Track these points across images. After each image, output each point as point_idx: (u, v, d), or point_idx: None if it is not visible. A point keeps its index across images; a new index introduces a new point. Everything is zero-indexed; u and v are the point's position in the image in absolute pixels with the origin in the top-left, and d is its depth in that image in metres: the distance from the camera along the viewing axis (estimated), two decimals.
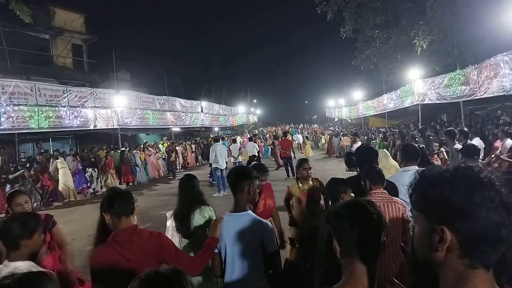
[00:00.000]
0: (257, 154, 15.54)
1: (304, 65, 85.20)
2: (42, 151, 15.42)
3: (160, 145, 20.66)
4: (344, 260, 1.36)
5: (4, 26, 16.26)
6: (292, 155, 14.33)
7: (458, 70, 12.84)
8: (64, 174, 12.79)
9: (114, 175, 14.77)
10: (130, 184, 15.57)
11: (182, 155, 20.65)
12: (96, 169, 14.56)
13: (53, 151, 15.71)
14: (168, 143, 21.00)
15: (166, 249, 2.24)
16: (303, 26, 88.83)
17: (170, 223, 3.28)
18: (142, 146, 18.33)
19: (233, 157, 14.51)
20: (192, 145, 22.97)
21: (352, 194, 3.07)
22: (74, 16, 23.59)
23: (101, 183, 14.54)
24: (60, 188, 12.71)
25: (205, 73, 40.30)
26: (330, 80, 51.96)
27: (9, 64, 15.59)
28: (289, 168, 14.00)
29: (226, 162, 13.07)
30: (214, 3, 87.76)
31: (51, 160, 13.14)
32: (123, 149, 16.22)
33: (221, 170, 12.12)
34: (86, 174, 14.21)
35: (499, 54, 10.40)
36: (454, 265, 0.92)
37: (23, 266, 2.05)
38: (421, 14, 13.61)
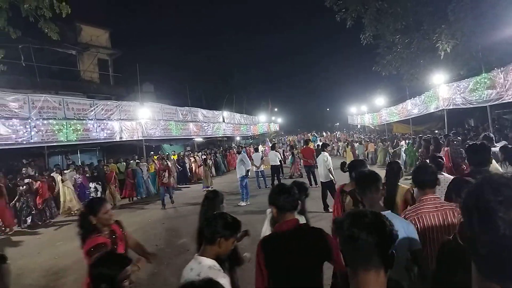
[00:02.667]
0: (279, 163, 15.45)
1: (325, 72, 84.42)
2: (70, 163, 15.87)
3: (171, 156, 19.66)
4: (350, 270, 1.32)
5: (33, 44, 17.00)
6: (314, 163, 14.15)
7: (483, 74, 12.52)
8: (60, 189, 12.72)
9: (115, 189, 14.27)
10: (134, 198, 15.06)
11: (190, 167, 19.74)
12: (99, 183, 14.12)
13: (80, 162, 16.13)
14: (157, 158, 17.45)
15: (331, 247, 2.33)
16: (323, 34, 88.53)
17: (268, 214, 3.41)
18: (150, 157, 17.70)
19: (255, 166, 14.50)
20: (202, 156, 20.78)
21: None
22: (99, 32, 24.39)
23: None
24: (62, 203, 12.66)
25: (226, 84, 40.65)
26: (352, 87, 51.25)
27: (38, 79, 16.25)
28: (312, 176, 13.82)
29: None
30: (234, 15, 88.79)
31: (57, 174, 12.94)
32: (131, 161, 16.08)
33: (247, 179, 12.14)
34: (90, 189, 13.73)
35: None
36: None
37: (208, 263, 2.22)
38: (442, 18, 13.33)
